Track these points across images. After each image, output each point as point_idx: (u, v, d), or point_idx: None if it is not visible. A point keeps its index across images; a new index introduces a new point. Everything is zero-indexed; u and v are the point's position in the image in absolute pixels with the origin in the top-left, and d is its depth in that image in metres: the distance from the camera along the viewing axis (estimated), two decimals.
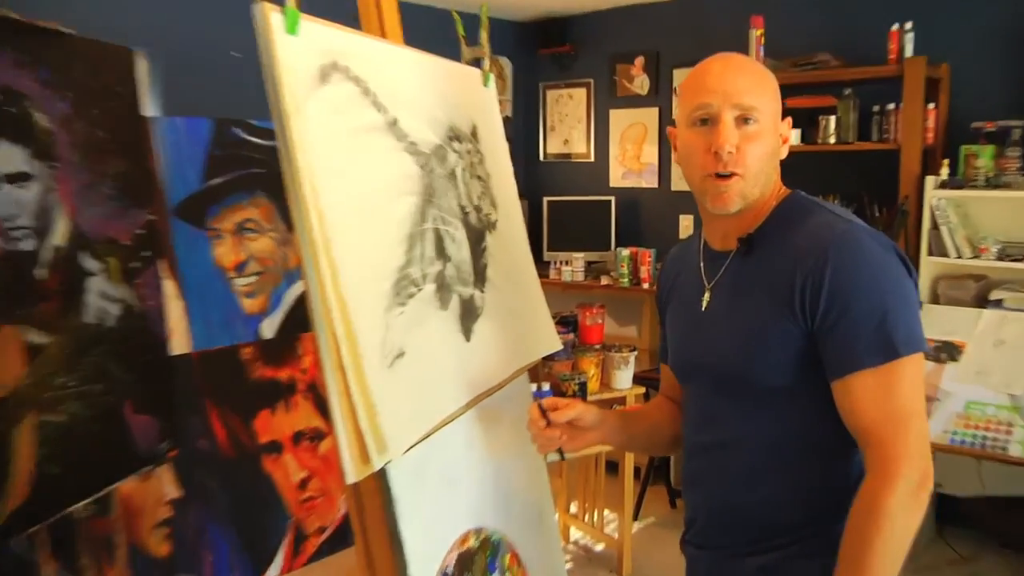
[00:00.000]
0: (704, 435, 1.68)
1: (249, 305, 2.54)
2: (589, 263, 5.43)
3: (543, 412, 1.73)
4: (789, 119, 1.62)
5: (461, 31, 2.14)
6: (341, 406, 1.44)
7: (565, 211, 5.64)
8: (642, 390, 3.54)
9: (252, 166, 2.56)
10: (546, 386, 3.05)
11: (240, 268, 2.52)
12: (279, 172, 1.46)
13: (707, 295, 1.65)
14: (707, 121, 1.55)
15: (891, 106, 4.25)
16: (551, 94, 6.03)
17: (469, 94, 2.09)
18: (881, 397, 1.44)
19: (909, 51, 4.15)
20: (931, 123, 4.18)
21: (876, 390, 1.45)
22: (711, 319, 1.64)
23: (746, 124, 1.54)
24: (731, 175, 1.54)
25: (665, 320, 1.83)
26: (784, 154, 1.62)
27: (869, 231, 1.53)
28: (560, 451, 1.80)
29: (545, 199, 5.70)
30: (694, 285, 1.70)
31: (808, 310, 1.49)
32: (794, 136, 4.26)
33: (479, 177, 2.02)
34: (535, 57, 6.01)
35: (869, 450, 1.46)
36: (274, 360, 2.58)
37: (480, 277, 1.97)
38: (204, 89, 3.77)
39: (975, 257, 3.90)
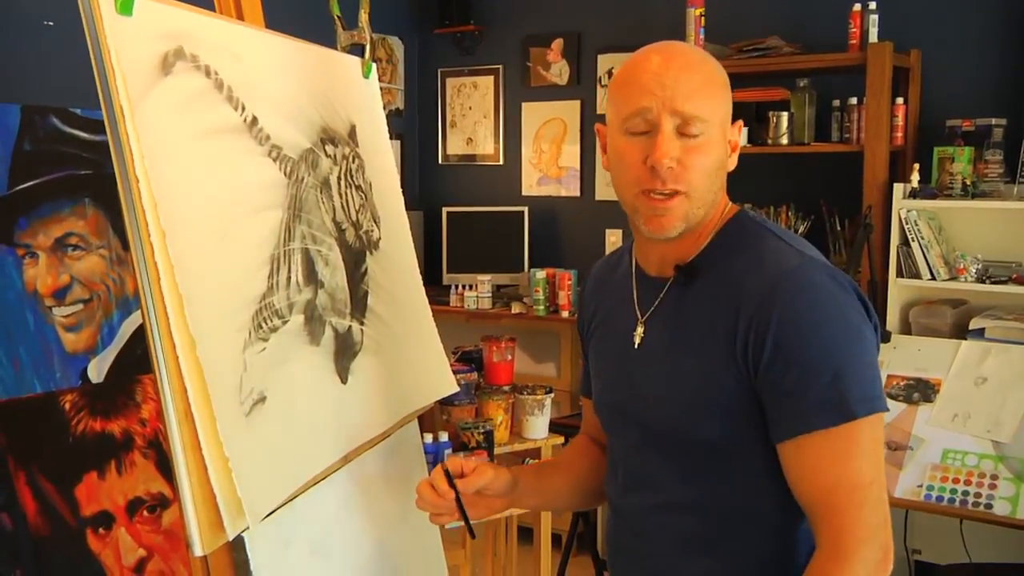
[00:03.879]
0: (631, 496, 1.74)
1: (72, 341, 2.52)
2: (497, 287, 5.49)
3: (451, 481, 1.75)
4: (740, 123, 1.65)
5: (336, 11, 2.18)
6: (187, 463, 1.47)
7: (468, 224, 5.70)
8: (560, 439, 3.58)
9: (75, 166, 2.55)
10: (444, 436, 3.09)
11: (60, 294, 2.51)
12: (111, 174, 1.48)
13: (640, 329, 1.71)
14: (643, 128, 1.57)
15: (853, 101, 4.41)
16: (451, 83, 6.09)
17: (346, 88, 2.14)
18: (832, 462, 1.51)
19: (873, 36, 4.31)
20: (899, 121, 4.35)
21: (828, 455, 1.51)
22: (645, 359, 1.70)
23: (690, 134, 1.56)
24: (673, 194, 1.58)
25: (588, 352, 1.89)
26: (733, 165, 1.66)
27: (825, 267, 1.59)
28: (468, 523, 1.79)
29: (444, 210, 5.74)
30: (625, 316, 1.75)
31: (751, 359, 1.55)
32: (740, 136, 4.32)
33: (358, 187, 2.07)
34: (432, 37, 6.06)
35: (820, 522, 1.52)
36: (105, 410, 2.56)
37: (359, 306, 2.02)
38: (10, 68, 3.73)
39: (952, 279, 4.03)
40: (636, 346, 1.71)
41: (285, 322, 1.75)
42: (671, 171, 1.56)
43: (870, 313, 1.59)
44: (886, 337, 3.72)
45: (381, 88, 2.31)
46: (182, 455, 1.48)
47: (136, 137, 1.46)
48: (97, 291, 2.58)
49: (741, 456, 1.61)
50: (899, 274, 4.12)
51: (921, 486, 3.33)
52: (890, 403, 3.50)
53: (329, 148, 1.98)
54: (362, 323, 2.01)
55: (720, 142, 1.60)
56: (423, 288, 2.32)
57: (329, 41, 2.15)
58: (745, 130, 4.48)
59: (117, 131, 1.45)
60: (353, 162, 2.07)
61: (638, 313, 1.72)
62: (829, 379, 1.50)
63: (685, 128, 1.56)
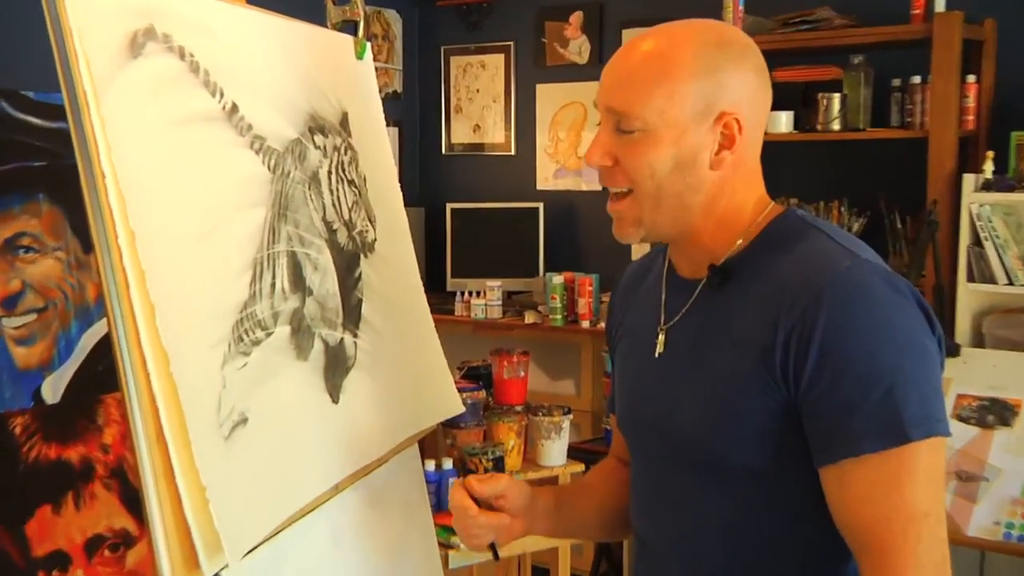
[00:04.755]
0: (656, 521, 1.77)
1: (23, 356, 2.54)
2: (509, 294, 5.51)
3: (474, 498, 1.79)
4: (736, 114, 1.61)
5: None
6: (159, 493, 1.50)
7: (476, 222, 5.72)
8: (580, 467, 3.59)
9: (28, 157, 2.56)
10: (448, 463, 3.11)
11: (10, 303, 2.52)
12: (71, 166, 1.50)
13: (661, 336, 1.74)
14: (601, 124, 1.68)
15: (916, 80, 4.43)
16: (456, 62, 6.12)
17: (338, 70, 2.17)
18: (882, 492, 1.50)
19: (940, 4, 4.32)
20: (970, 102, 4.36)
21: (877, 483, 1.51)
22: (666, 369, 1.72)
23: (623, 131, 1.62)
24: (623, 194, 1.65)
25: (614, 361, 1.92)
26: (724, 164, 1.63)
27: (881, 269, 1.58)
28: (493, 546, 1.86)
29: (449, 206, 5.77)
30: (649, 321, 1.78)
31: (792, 371, 1.55)
32: (784, 121, 4.32)
33: (351, 182, 2.10)
34: (434, 11, 6.09)
35: (866, 560, 1.53)
36: (61, 434, 2.57)
37: (352, 316, 2.04)
38: None
39: None
40: (656, 355, 1.74)
41: (269, 334, 1.77)
42: (606, 170, 1.65)
43: (933, 324, 1.58)
44: (953, 350, 3.73)
45: (377, 69, 2.34)
46: (153, 484, 1.49)
47: (102, 127, 1.48)
48: (53, 299, 2.60)
49: (778, 481, 1.61)
50: (969, 278, 4.13)
51: (999, 523, 3.33)
52: (960, 427, 3.50)
53: (318, 138, 2.00)
54: (355, 335, 2.04)
55: (673, 139, 1.60)
56: (424, 295, 2.34)
57: (318, 18, 2.18)
58: (790, 114, 4.49)
59: (80, 120, 1.47)
60: (345, 154, 2.09)
61: (662, 318, 1.75)
62: (880, 396, 1.49)
63: (620, 125, 1.63)
